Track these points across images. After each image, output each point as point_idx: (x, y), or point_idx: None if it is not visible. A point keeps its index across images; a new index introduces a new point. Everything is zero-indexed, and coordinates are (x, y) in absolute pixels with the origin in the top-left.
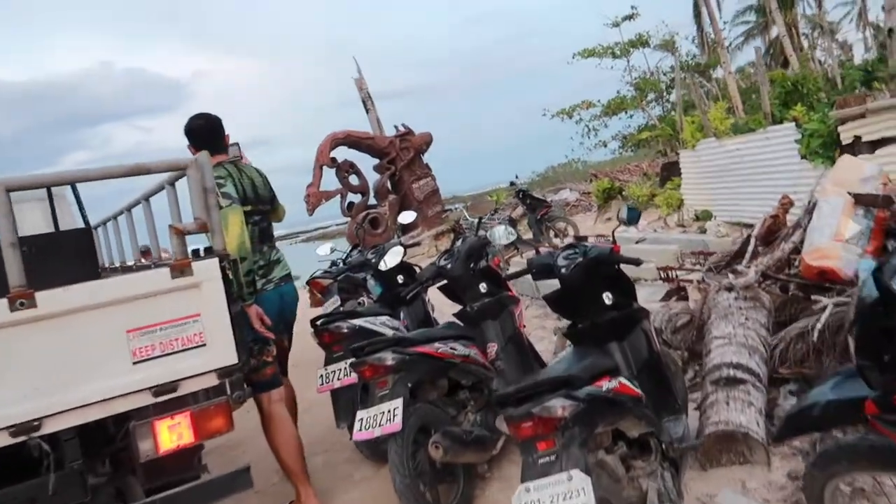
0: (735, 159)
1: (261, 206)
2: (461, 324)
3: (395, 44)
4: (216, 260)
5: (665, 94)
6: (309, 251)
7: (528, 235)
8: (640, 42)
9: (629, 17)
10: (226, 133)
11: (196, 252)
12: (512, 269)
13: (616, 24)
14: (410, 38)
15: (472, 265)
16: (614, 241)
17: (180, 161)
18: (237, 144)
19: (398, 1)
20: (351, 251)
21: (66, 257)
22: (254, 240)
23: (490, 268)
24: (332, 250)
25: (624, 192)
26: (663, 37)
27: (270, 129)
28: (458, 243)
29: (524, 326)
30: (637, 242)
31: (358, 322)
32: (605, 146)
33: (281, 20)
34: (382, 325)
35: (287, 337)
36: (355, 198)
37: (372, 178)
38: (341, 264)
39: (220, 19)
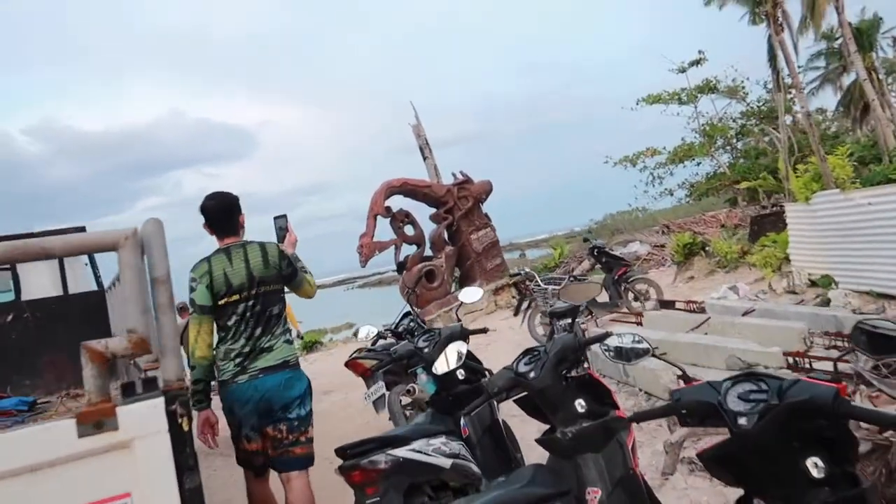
0: (866, 216)
1: (257, 289)
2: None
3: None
4: (161, 400)
5: (734, 140)
6: (365, 297)
7: (603, 297)
8: (708, 87)
9: (696, 63)
10: (241, 214)
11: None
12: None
13: (682, 70)
14: (466, 86)
15: (564, 373)
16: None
17: (110, 236)
18: (285, 216)
19: (454, 51)
20: (401, 320)
21: (74, 323)
22: (241, 327)
23: (591, 378)
24: (376, 337)
25: (707, 248)
26: (732, 82)
27: (330, 175)
28: (527, 308)
29: (638, 463)
30: (744, 314)
31: (402, 453)
32: (672, 194)
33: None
34: (437, 452)
35: (285, 430)
36: (410, 249)
37: (428, 227)
38: (389, 336)
39: (284, 71)
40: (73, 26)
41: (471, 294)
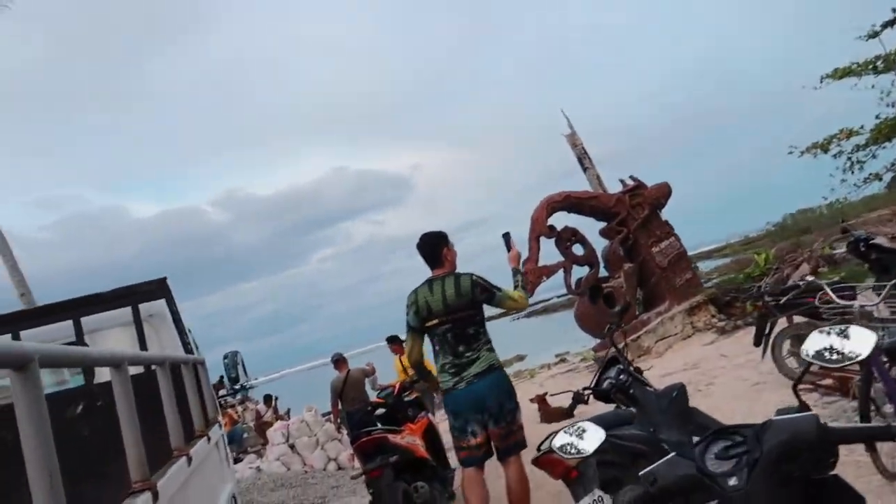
0: None
1: (452, 315)
2: None
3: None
4: None
5: None
6: (533, 327)
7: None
8: None
9: (891, 24)
10: (445, 248)
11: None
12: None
13: (873, 35)
14: (618, 100)
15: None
16: None
17: None
18: (508, 234)
19: (600, 69)
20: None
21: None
22: (445, 345)
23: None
24: (573, 403)
25: None
26: None
27: (484, 209)
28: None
29: None
30: None
31: None
32: (880, 179)
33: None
34: None
35: (501, 423)
36: (582, 271)
37: (600, 245)
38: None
39: (429, 112)
40: (238, 106)
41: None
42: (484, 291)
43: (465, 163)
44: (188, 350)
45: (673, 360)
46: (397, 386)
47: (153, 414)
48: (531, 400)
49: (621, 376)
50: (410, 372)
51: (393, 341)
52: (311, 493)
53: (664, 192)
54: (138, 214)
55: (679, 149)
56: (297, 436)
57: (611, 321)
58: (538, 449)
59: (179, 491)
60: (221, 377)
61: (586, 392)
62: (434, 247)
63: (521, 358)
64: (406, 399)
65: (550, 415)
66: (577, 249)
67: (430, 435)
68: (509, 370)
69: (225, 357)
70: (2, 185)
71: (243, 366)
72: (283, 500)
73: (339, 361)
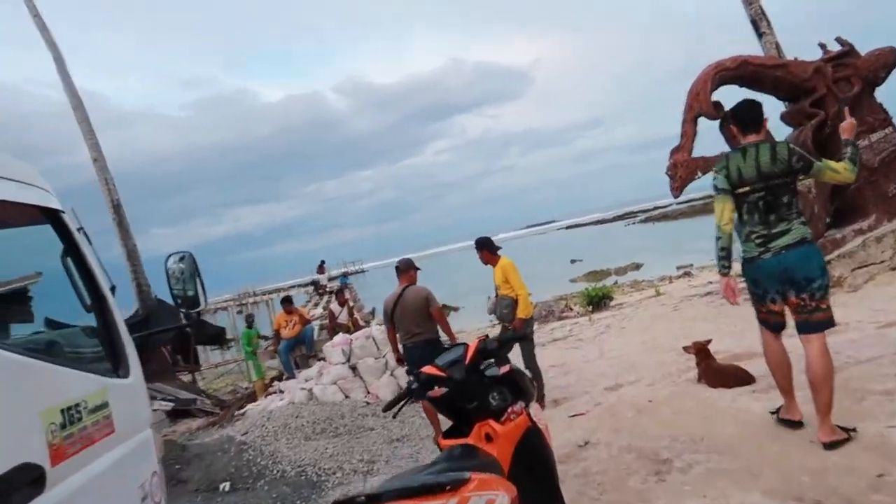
0: None
1: (763, 182)
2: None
3: None
4: None
5: None
6: (649, 233)
7: None
8: None
9: None
10: (764, 116)
11: None
12: None
13: None
14: None
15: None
16: None
17: None
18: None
19: None
20: None
21: None
22: (755, 214)
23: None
24: None
25: None
26: None
27: (606, 107)
28: None
29: None
30: None
31: None
32: None
33: None
34: None
35: (804, 295)
36: None
37: (782, 133)
38: None
39: (555, 4)
40: None
41: None
42: (801, 160)
43: (590, 55)
44: None
45: (875, 299)
46: (471, 350)
47: None
48: (685, 348)
49: None
50: (516, 288)
51: (482, 246)
52: (359, 447)
53: (886, 61)
54: (266, 98)
55: None
56: (360, 355)
57: None
58: None
59: None
60: (322, 262)
61: None
62: (755, 111)
63: (636, 266)
64: (488, 373)
65: (719, 375)
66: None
67: (529, 449)
68: (623, 279)
69: (167, 264)
70: (147, 64)
71: (198, 277)
72: (314, 461)
73: (400, 270)
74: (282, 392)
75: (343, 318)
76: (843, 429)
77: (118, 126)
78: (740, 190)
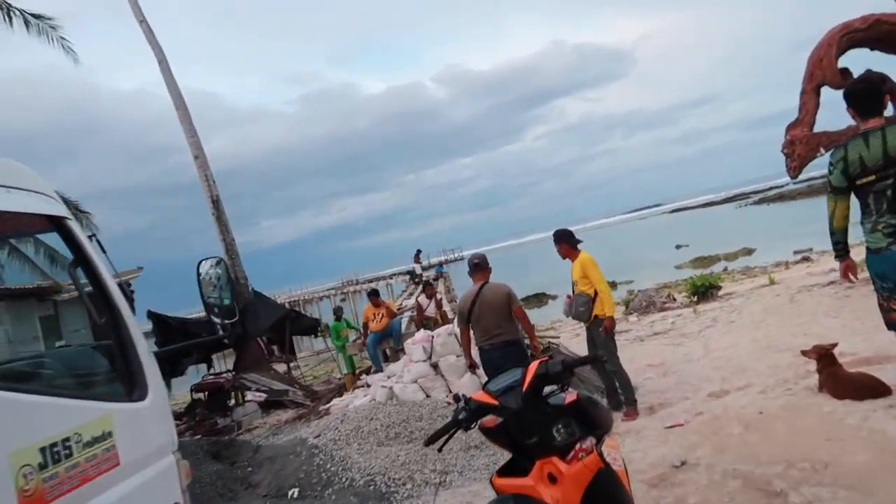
0: None
1: (892, 168)
2: None
3: None
4: None
5: None
6: (763, 215)
7: None
8: None
9: None
10: (885, 95)
11: None
12: None
13: None
14: None
15: None
16: None
17: None
18: None
19: None
20: None
21: None
22: (882, 202)
23: None
24: None
25: None
26: None
27: (716, 84)
28: None
29: None
30: None
31: None
32: None
33: None
34: None
35: None
36: None
37: None
38: None
39: None
40: None
41: None
42: None
43: (697, 32)
44: None
45: None
46: (530, 374)
47: None
48: (804, 353)
49: None
50: (595, 283)
51: (561, 239)
52: (432, 454)
53: None
54: (368, 91)
55: None
56: (441, 353)
57: None
58: None
59: None
60: (419, 251)
61: None
62: (876, 91)
63: (748, 252)
64: (552, 402)
65: (846, 384)
66: (891, 109)
67: (602, 495)
68: (733, 265)
69: (199, 269)
70: (255, 63)
71: (229, 280)
72: (384, 469)
73: (479, 266)
74: (368, 386)
75: (431, 310)
76: None
77: (232, 124)
78: (864, 180)
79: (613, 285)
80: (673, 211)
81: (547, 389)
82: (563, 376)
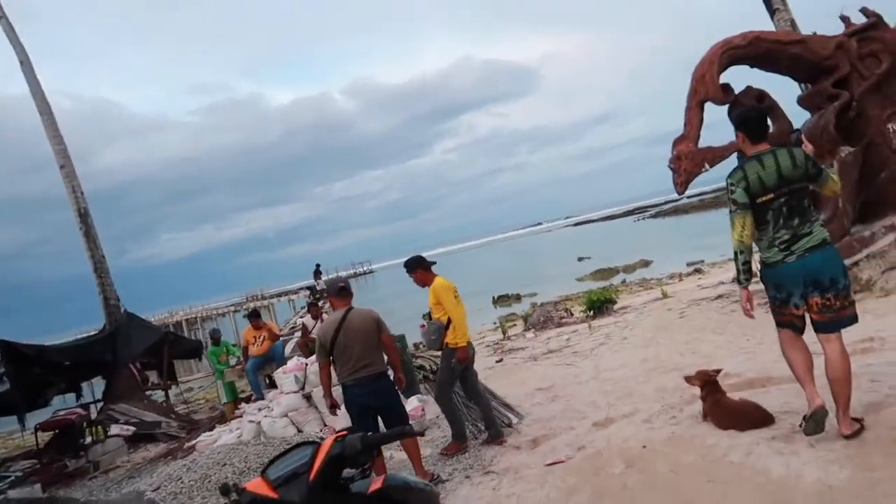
0: None
1: (786, 187)
2: None
3: None
4: None
5: None
6: (659, 228)
7: None
8: None
9: None
10: (768, 124)
11: None
12: None
13: None
14: None
15: None
16: None
17: None
18: (799, 131)
19: None
20: None
21: None
22: (779, 219)
23: None
24: None
25: None
26: None
27: (616, 101)
28: None
29: None
30: None
31: None
32: None
33: None
34: None
35: (828, 295)
36: None
37: (800, 118)
38: None
39: (565, 0)
40: None
41: None
42: (815, 166)
43: (601, 51)
44: None
45: None
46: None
47: None
48: (687, 379)
49: None
50: (448, 310)
51: (414, 266)
52: None
53: None
54: (276, 102)
55: None
56: (315, 382)
57: None
58: None
59: None
60: (318, 266)
61: None
62: (765, 118)
63: (646, 264)
64: (354, 489)
65: (729, 414)
66: None
67: None
68: (631, 277)
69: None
70: (159, 73)
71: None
72: None
73: (342, 290)
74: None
75: (317, 331)
76: (855, 420)
77: (135, 133)
78: (763, 199)
79: (518, 298)
80: (576, 224)
81: (345, 474)
82: (364, 457)
